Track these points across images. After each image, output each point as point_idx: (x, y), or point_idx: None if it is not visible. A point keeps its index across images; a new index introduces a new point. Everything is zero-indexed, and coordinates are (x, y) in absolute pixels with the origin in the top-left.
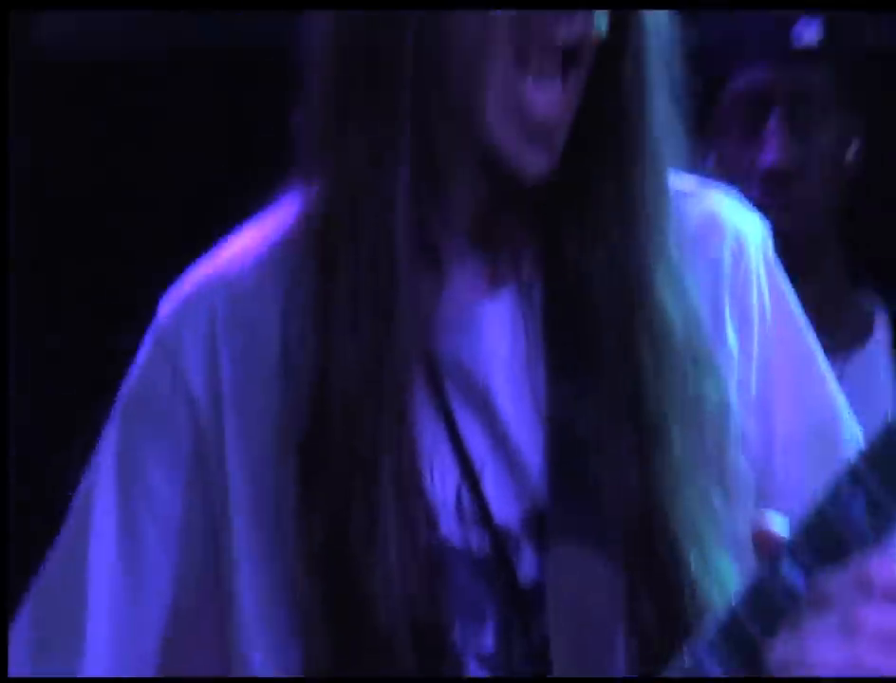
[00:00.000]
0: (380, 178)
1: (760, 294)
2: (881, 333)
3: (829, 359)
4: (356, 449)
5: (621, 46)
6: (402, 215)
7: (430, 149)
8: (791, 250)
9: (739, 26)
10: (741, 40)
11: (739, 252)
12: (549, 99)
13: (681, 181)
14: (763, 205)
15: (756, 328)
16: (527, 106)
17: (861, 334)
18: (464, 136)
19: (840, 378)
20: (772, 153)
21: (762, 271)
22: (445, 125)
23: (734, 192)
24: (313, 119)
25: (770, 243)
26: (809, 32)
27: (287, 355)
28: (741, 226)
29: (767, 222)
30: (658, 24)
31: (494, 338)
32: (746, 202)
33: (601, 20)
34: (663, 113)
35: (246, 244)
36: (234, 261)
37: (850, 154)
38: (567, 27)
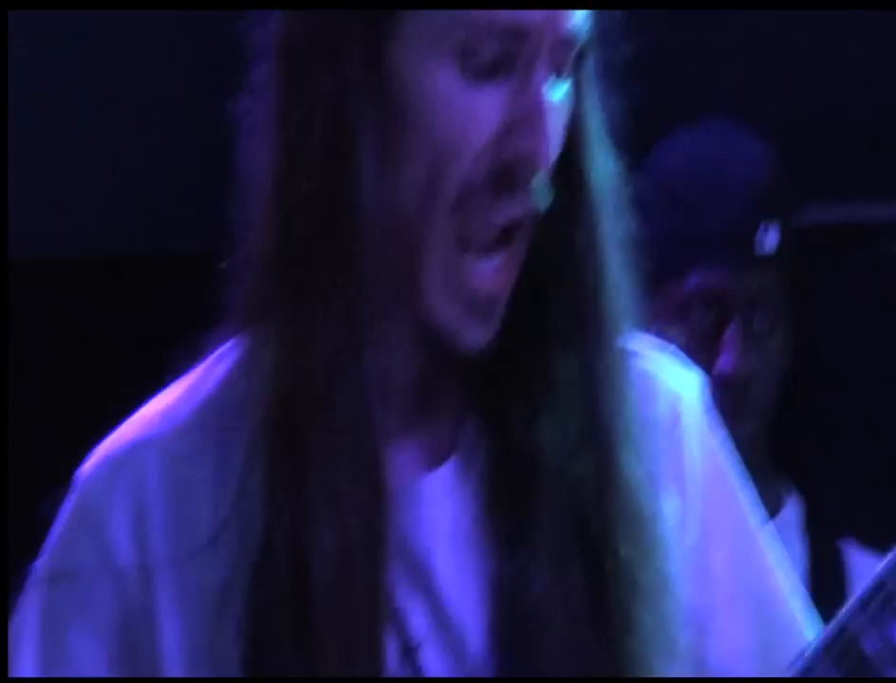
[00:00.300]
0: (311, 346)
1: (696, 456)
2: (791, 513)
3: None
4: (298, 633)
5: (568, 215)
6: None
7: (368, 325)
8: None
9: (699, 227)
10: (700, 242)
11: (677, 414)
12: (489, 273)
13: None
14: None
15: (692, 491)
16: (467, 283)
17: (771, 510)
18: (403, 312)
19: None
20: (729, 360)
21: (698, 432)
22: (385, 304)
23: (670, 348)
24: (253, 281)
25: (705, 401)
26: (770, 239)
27: (225, 523)
28: (679, 386)
29: (704, 379)
30: (606, 184)
31: (436, 512)
32: (683, 358)
33: (541, 198)
34: (617, 276)
35: (177, 401)
36: (164, 420)
37: (788, 351)
38: (506, 210)
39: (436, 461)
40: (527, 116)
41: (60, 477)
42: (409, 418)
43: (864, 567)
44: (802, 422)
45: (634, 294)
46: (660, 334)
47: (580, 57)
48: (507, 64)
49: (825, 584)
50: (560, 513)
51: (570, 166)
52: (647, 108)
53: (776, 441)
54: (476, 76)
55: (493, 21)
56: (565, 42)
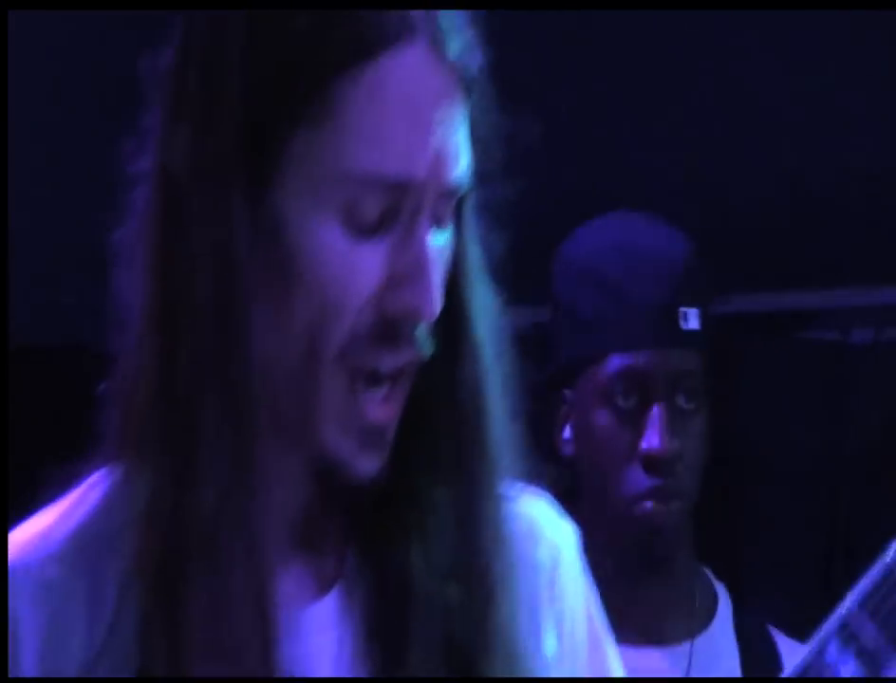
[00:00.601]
0: (196, 485)
1: (573, 601)
2: (724, 613)
3: (678, 645)
4: None
5: (448, 352)
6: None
7: (256, 465)
8: (666, 537)
9: (619, 310)
10: (621, 324)
11: (557, 560)
12: (378, 404)
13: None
14: (647, 493)
15: (568, 634)
16: (358, 416)
17: (708, 612)
18: (296, 448)
19: (689, 666)
20: (655, 440)
21: (575, 579)
22: (277, 440)
23: (546, 496)
24: (133, 414)
25: (580, 551)
26: (691, 320)
27: (97, 657)
28: (558, 534)
29: (577, 531)
30: (485, 322)
31: (319, 642)
32: (558, 508)
33: (425, 347)
34: (497, 415)
35: (50, 527)
36: (37, 546)
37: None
38: (391, 359)
39: (320, 591)
40: (410, 270)
41: None
42: (296, 549)
43: (794, 656)
44: (725, 513)
45: (514, 435)
46: (584, 420)
47: (460, 200)
48: (390, 219)
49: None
50: (433, 644)
51: (451, 306)
52: (565, 198)
53: (701, 532)
54: (359, 231)
55: (375, 177)
56: (448, 193)
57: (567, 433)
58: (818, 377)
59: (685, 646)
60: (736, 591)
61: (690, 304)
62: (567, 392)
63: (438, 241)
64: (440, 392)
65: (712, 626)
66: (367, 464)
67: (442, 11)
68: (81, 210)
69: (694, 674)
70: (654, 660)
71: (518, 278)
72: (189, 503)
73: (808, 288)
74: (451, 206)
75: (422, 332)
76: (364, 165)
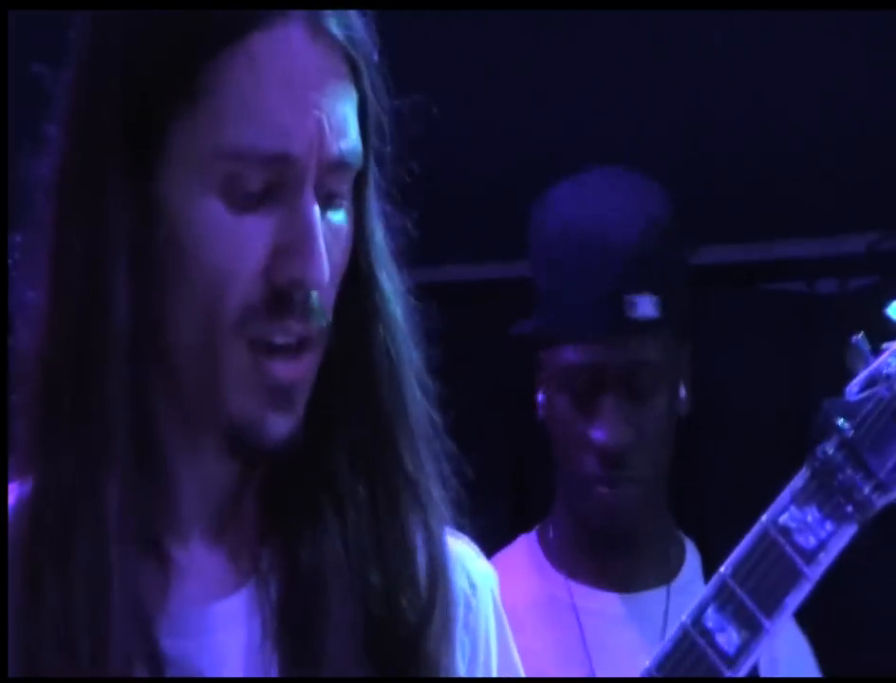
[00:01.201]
0: (91, 479)
1: (488, 636)
2: (692, 567)
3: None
4: None
5: (356, 332)
6: (115, 515)
7: (152, 437)
8: (622, 517)
9: (571, 298)
10: (572, 314)
11: (474, 595)
12: (285, 367)
13: None
14: (601, 478)
15: (481, 663)
16: (264, 378)
17: (679, 562)
18: (206, 422)
19: (667, 610)
20: (605, 433)
21: (492, 617)
22: (173, 411)
23: (467, 539)
24: (24, 413)
25: (498, 591)
26: (642, 307)
27: None
28: (477, 569)
29: (496, 575)
30: (391, 303)
31: (228, 640)
32: (477, 550)
33: (320, 318)
34: (407, 395)
35: None
36: None
37: (679, 404)
38: (288, 328)
39: (231, 588)
40: (295, 241)
41: None
42: (205, 545)
43: None
44: (696, 473)
45: (426, 416)
46: (548, 397)
47: (358, 180)
48: (274, 192)
49: None
50: (347, 633)
51: (355, 282)
52: (552, 149)
53: (672, 494)
54: (243, 205)
55: (255, 151)
56: (333, 166)
57: (540, 396)
58: (784, 327)
59: (662, 591)
60: (703, 547)
61: (639, 292)
62: (541, 354)
63: (334, 216)
64: (352, 368)
65: (682, 572)
66: (277, 425)
67: None
68: None
69: (672, 617)
70: (633, 604)
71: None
72: (48, 503)
73: (773, 239)
74: (343, 181)
75: (316, 302)
76: (241, 142)
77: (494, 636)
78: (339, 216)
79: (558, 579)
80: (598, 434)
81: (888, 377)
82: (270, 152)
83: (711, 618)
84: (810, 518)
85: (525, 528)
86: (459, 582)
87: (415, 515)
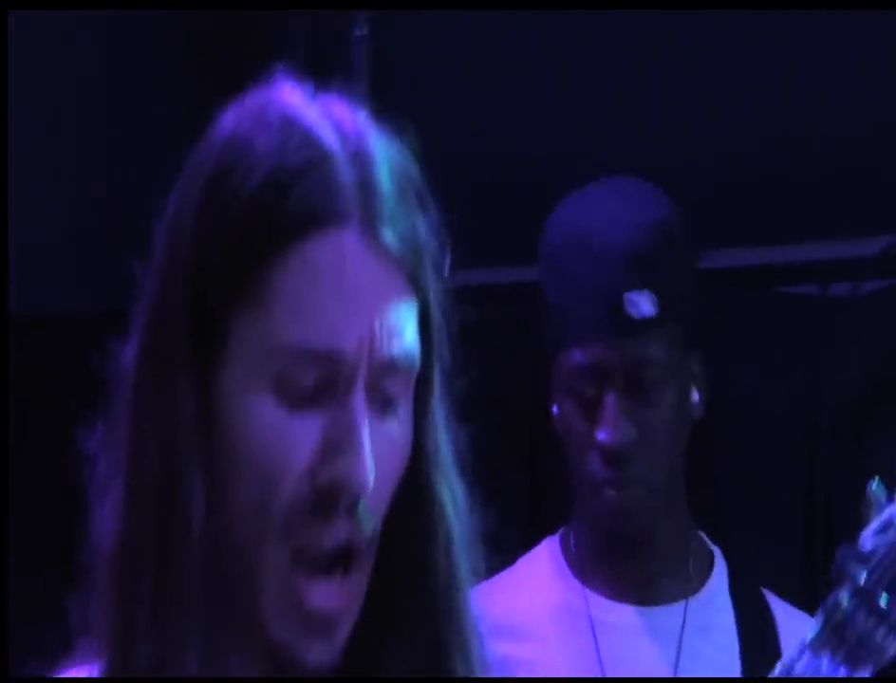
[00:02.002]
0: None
1: None
2: (720, 576)
3: (674, 604)
4: None
5: (414, 540)
6: None
7: (213, 646)
8: (631, 520)
9: (573, 301)
10: (575, 315)
11: None
12: (325, 593)
13: None
14: (606, 481)
15: None
16: (303, 602)
17: (703, 575)
18: (246, 629)
19: (683, 625)
20: (608, 433)
21: None
22: (227, 622)
23: None
24: (101, 604)
25: None
26: (643, 306)
27: None
28: None
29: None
30: (453, 510)
31: None
32: None
33: (367, 524)
34: (465, 602)
35: None
36: None
37: (692, 408)
38: (333, 534)
39: None
40: (341, 440)
41: None
42: None
43: (785, 617)
44: (716, 476)
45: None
46: (559, 401)
47: (420, 385)
48: (326, 391)
49: (759, 646)
50: None
51: (415, 491)
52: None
53: (694, 499)
54: (294, 403)
55: (306, 348)
56: (386, 367)
57: (553, 405)
58: (797, 330)
59: (681, 605)
60: (730, 554)
61: (639, 289)
62: (553, 362)
63: (388, 420)
64: (409, 582)
65: (707, 587)
66: (314, 652)
67: (380, 195)
68: None
69: (688, 633)
70: (649, 618)
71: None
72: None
73: (787, 243)
74: (399, 385)
75: (363, 507)
76: (293, 339)
77: None
78: (393, 423)
79: (576, 587)
80: (601, 435)
81: None
82: (320, 349)
83: None
84: (825, 666)
85: (540, 534)
86: None
87: None
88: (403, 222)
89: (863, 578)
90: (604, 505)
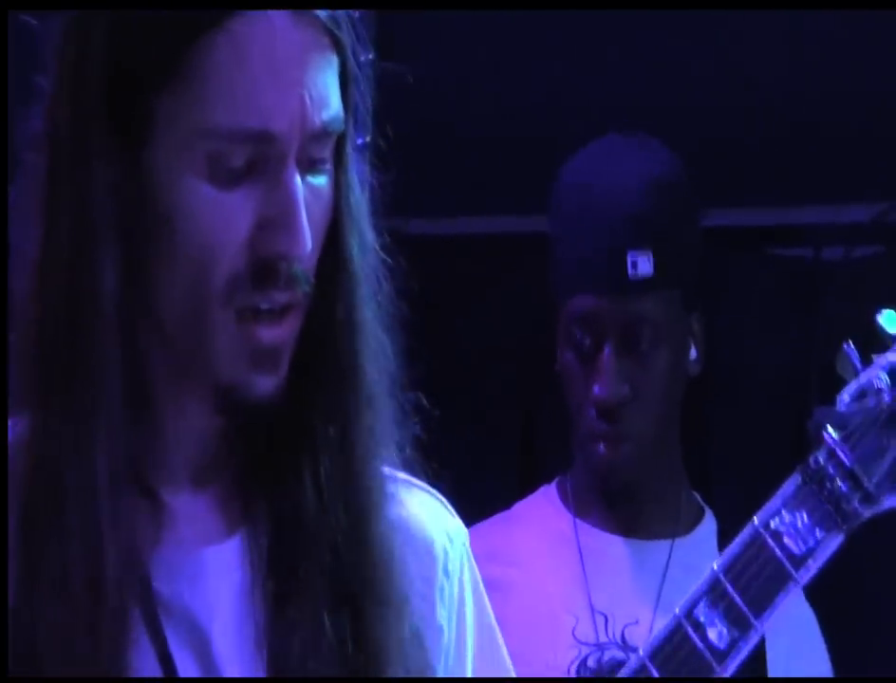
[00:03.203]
0: (81, 429)
1: (463, 582)
2: (706, 529)
3: (661, 542)
4: None
5: (333, 290)
6: (105, 463)
7: (142, 390)
8: (620, 475)
9: (578, 253)
10: (578, 268)
11: (451, 547)
12: (270, 332)
13: (398, 474)
14: (598, 434)
15: (457, 611)
16: (249, 342)
17: (692, 522)
18: (195, 380)
19: (668, 561)
20: (603, 387)
21: (466, 567)
22: (162, 368)
23: (437, 493)
24: (20, 356)
25: (468, 542)
26: (642, 265)
27: None
28: (452, 526)
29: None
30: (365, 261)
31: (219, 583)
32: (448, 506)
33: (304, 284)
34: (376, 354)
35: None
36: None
37: (689, 365)
38: (273, 297)
39: (225, 534)
40: (279, 215)
41: None
42: (197, 492)
43: None
44: (709, 436)
45: (395, 374)
46: (560, 350)
47: (338, 142)
48: (258, 167)
49: None
50: (323, 583)
51: (333, 243)
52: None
53: (687, 457)
54: (227, 181)
55: (238, 130)
56: (317, 136)
57: (558, 350)
58: (790, 292)
59: (668, 543)
60: (721, 515)
61: (640, 249)
62: (559, 308)
63: (316, 180)
64: (323, 329)
65: (695, 532)
66: (262, 384)
67: None
68: None
69: (673, 568)
70: (636, 550)
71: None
72: (45, 452)
73: (782, 206)
74: (325, 147)
75: (299, 271)
76: (224, 121)
77: (470, 585)
78: (321, 180)
79: (568, 519)
80: (596, 389)
81: (879, 390)
82: (252, 130)
83: (703, 613)
84: (800, 524)
85: (533, 485)
86: (436, 536)
87: (374, 460)
88: None
89: (839, 440)
90: (596, 457)
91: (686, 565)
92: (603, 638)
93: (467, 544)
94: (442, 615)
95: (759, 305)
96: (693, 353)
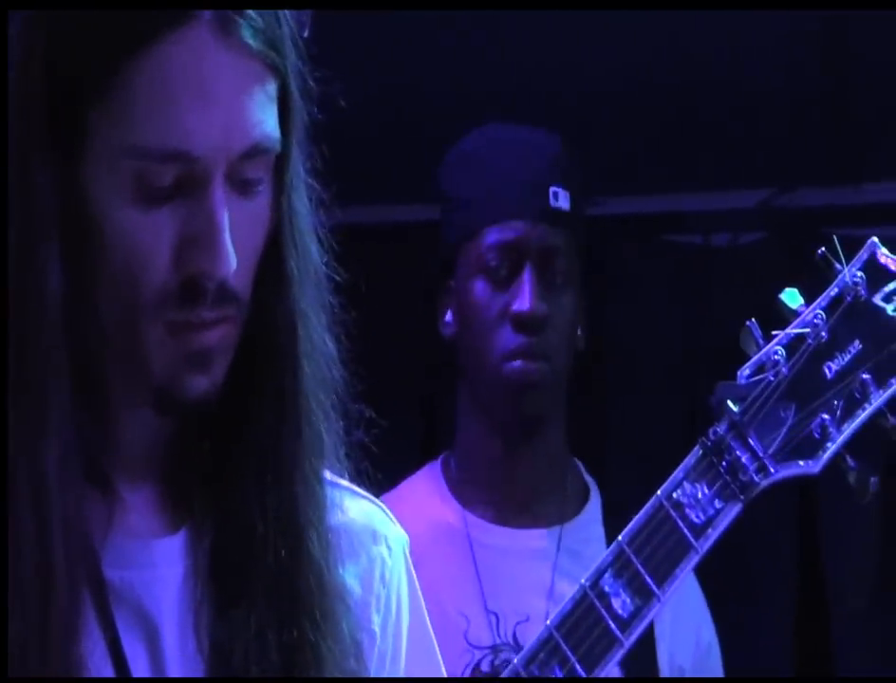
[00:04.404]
0: (31, 418)
1: (400, 591)
2: (594, 507)
3: (549, 528)
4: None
5: (272, 301)
6: (56, 451)
7: (92, 386)
8: (531, 397)
9: (498, 190)
10: (497, 202)
11: (390, 555)
12: (202, 338)
13: (340, 481)
14: (516, 350)
15: (394, 621)
16: (183, 345)
17: (578, 504)
18: (128, 374)
19: (558, 548)
20: (524, 300)
21: (403, 576)
22: (111, 366)
23: (378, 501)
24: None
25: (408, 555)
26: (561, 200)
27: None
28: (392, 533)
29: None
30: (307, 273)
31: (168, 575)
32: (388, 513)
33: (232, 303)
34: (316, 363)
35: None
36: None
37: (578, 343)
38: (201, 313)
39: (172, 526)
40: (201, 234)
41: None
42: (147, 482)
43: None
44: (595, 412)
45: (338, 381)
46: (463, 295)
47: (279, 161)
48: (183, 187)
49: None
50: (265, 584)
51: (274, 261)
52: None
53: (573, 434)
54: (151, 200)
55: (158, 151)
56: (246, 156)
57: (448, 316)
58: (681, 276)
59: (556, 530)
60: (605, 487)
61: (560, 185)
62: (450, 282)
63: (250, 201)
64: (262, 337)
65: (581, 515)
66: (195, 385)
67: None
68: None
69: (561, 557)
70: (526, 540)
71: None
72: (24, 434)
73: (672, 192)
74: (259, 167)
75: (229, 289)
76: (146, 141)
77: (406, 593)
78: (255, 199)
79: (457, 509)
80: (517, 304)
81: (776, 363)
82: (174, 151)
83: (608, 583)
84: (700, 495)
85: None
86: (375, 544)
87: (315, 466)
88: (257, 15)
89: (738, 413)
90: (506, 382)
91: (575, 552)
92: (496, 639)
93: (406, 551)
94: (376, 622)
95: (653, 289)
96: (577, 328)
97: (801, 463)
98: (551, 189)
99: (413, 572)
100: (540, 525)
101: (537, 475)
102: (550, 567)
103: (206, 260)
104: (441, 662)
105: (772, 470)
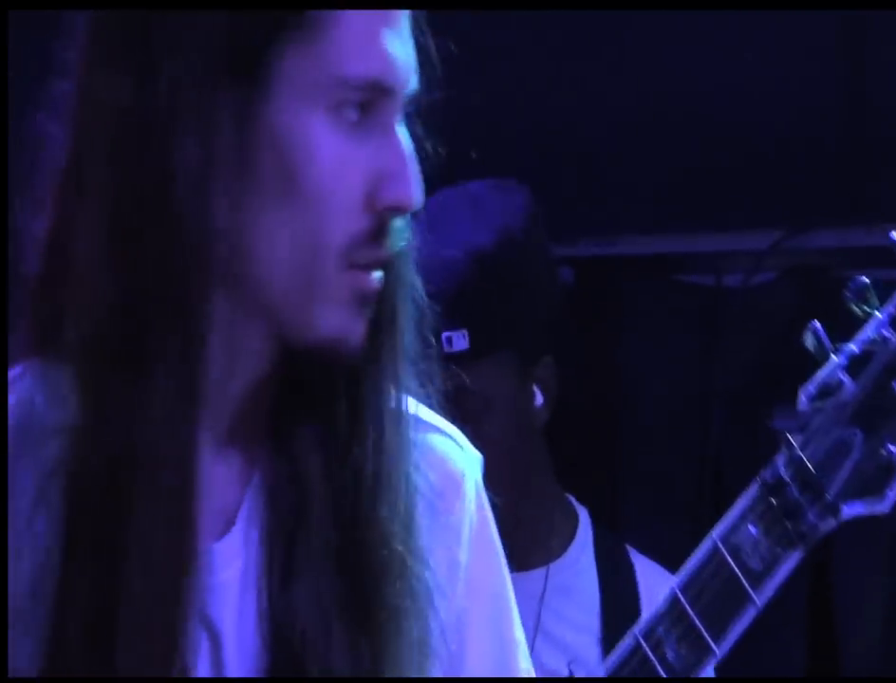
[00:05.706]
0: (186, 388)
1: (471, 529)
2: (584, 538)
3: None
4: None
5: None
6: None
7: (201, 392)
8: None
9: None
10: None
11: (460, 490)
12: (374, 280)
13: (418, 412)
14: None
15: (464, 559)
16: (358, 287)
17: (566, 538)
18: (256, 325)
19: (544, 589)
20: None
21: (477, 511)
22: (248, 324)
23: (454, 427)
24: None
25: (482, 481)
26: (457, 342)
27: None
28: (464, 465)
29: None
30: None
31: (224, 577)
32: (461, 435)
33: (402, 239)
34: (409, 324)
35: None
36: None
37: (533, 414)
38: (378, 253)
39: (224, 527)
40: (395, 165)
41: None
42: (218, 452)
43: (646, 574)
44: (606, 451)
45: (426, 351)
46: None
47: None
48: (370, 118)
49: (619, 604)
50: (325, 557)
51: None
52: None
53: (564, 464)
54: (349, 131)
55: (363, 77)
56: (408, 96)
57: None
58: (693, 317)
59: (542, 570)
60: (598, 516)
61: (453, 327)
62: None
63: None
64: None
65: (570, 550)
66: (356, 331)
67: None
68: None
69: (549, 595)
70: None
71: None
72: (135, 427)
73: (685, 233)
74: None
75: (401, 225)
76: (354, 71)
77: (477, 527)
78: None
79: None
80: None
81: (840, 383)
82: (373, 81)
83: (663, 634)
84: (758, 539)
85: None
86: (445, 482)
87: (401, 443)
88: None
89: (798, 444)
90: None
91: (564, 588)
92: None
93: (480, 477)
94: (445, 564)
95: (664, 330)
96: (539, 399)
97: (868, 501)
98: (444, 335)
99: (485, 501)
100: (525, 567)
101: (523, 528)
102: (536, 606)
103: (402, 192)
104: (514, 604)
105: (835, 513)
